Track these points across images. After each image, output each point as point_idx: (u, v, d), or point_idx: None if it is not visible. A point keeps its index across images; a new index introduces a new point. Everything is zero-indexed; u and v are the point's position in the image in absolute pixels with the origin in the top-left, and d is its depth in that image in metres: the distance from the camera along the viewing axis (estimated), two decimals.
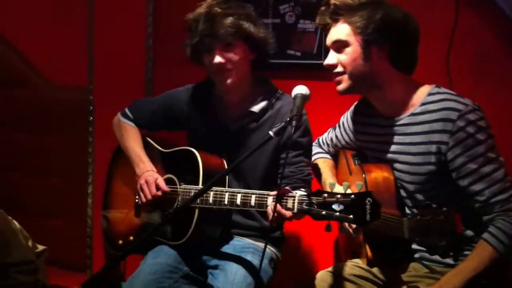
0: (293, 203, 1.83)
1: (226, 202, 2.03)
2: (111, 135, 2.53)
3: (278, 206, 1.83)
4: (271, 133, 1.86)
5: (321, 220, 1.75)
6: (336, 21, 2.02)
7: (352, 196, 1.69)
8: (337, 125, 2.38)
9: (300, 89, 1.97)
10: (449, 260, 1.89)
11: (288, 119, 1.87)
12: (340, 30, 2.00)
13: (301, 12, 2.91)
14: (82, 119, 3.33)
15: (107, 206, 2.53)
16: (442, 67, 2.47)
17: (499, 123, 2.11)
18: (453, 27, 2.47)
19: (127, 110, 2.49)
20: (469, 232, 1.97)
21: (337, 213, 1.70)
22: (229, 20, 2.14)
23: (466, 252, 1.93)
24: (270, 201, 1.93)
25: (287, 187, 2.10)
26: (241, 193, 2.01)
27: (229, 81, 2.21)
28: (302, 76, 2.71)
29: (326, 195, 1.74)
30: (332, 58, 2.04)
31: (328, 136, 2.43)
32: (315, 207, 1.75)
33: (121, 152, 2.47)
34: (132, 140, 2.41)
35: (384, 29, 1.96)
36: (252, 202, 1.97)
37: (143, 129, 2.47)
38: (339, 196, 1.71)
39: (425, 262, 2.04)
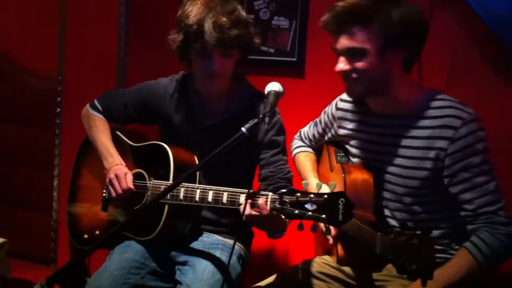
0: (266, 201, 1.82)
1: (197, 199, 2.01)
2: (79, 127, 2.48)
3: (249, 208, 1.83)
4: (243, 129, 1.84)
5: (294, 219, 1.74)
6: (349, 26, 1.89)
7: (325, 196, 1.69)
8: (318, 122, 2.35)
9: (274, 86, 1.96)
10: None
11: (261, 115, 1.86)
12: (353, 37, 1.88)
13: (276, 8, 2.90)
14: (49, 110, 3.27)
15: (73, 199, 2.48)
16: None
17: None
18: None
19: (96, 102, 2.44)
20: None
21: (310, 213, 1.70)
22: (236, 32, 2.10)
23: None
24: (242, 199, 1.91)
25: (270, 188, 2.12)
26: (213, 190, 1.99)
27: (218, 87, 2.21)
28: (275, 73, 2.71)
29: (299, 194, 1.73)
30: (344, 64, 1.93)
31: (310, 131, 2.40)
32: (288, 206, 1.74)
33: (89, 144, 2.42)
34: (101, 133, 2.36)
35: (403, 30, 1.87)
36: (224, 200, 1.95)
37: (113, 121, 2.42)
38: (312, 195, 1.70)
39: None
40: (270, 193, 1.82)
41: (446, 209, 1.96)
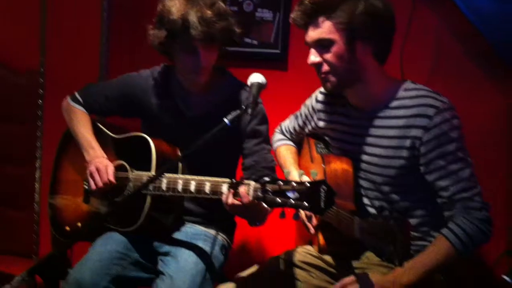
0: (248, 190, 1.83)
1: (179, 189, 2.01)
2: (62, 120, 2.47)
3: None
4: (226, 120, 1.86)
5: (277, 207, 1.75)
6: (315, 19, 1.95)
7: (307, 184, 1.70)
8: (298, 115, 2.37)
9: (256, 78, 1.97)
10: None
11: (243, 107, 1.87)
12: (321, 28, 1.94)
13: (259, 0, 2.90)
14: (32, 102, 3.25)
15: (54, 191, 2.48)
16: (395, 61, 2.51)
17: None
18: (408, 22, 2.51)
19: (77, 94, 2.42)
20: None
21: (292, 201, 1.71)
22: (222, 25, 2.08)
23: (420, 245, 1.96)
24: (225, 188, 1.92)
25: (253, 177, 2.13)
26: (195, 180, 1.99)
27: (202, 80, 2.20)
28: (259, 65, 2.71)
29: (281, 182, 1.74)
30: (315, 56, 1.98)
31: (290, 125, 2.41)
32: (270, 194, 1.75)
33: (70, 137, 2.41)
34: (82, 125, 2.35)
35: (368, 22, 1.91)
36: (207, 189, 1.96)
37: (94, 114, 2.41)
38: (294, 184, 1.71)
39: None
40: (252, 182, 1.83)
41: (424, 197, 1.99)
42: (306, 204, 1.69)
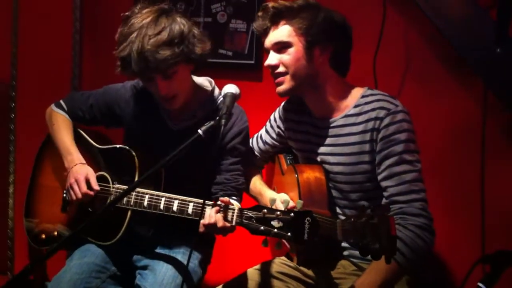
0: (232, 215, 1.81)
1: (161, 208, 1.99)
2: (35, 133, 2.44)
3: (217, 217, 1.83)
4: (199, 131, 1.85)
5: (259, 235, 1.74)
6: (276, 23, 2.03)
7: (292, 214, 1.69)
8: (263, 132, 2.39)
9: (230, 88, 1.98)
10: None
11: (217, 117, 1.86)
12: (282, 32, 2.01)
13: (233, 11, 2.92)
14: (3, 116, 3.21)
15: (31, 198, 2.43)
16: (368, 67, 2.53)
17: (421, 121, 2.19)
18: (380, 29, 2.54)
19: (61, 102, 2.38)
20: None
21: (275, 230, 1.70)
22: (166, 53, 1.99)
23: None
24: (209, 211, 1.88)
25: (220, 193, 2.13)
26: (179, 200, 1.97)
27: (176, 106, 2.16)
28: (233, 76, 2.71)
29: (266, 210, 1.73)
30: (273, 58, 2.04)
31: (256, 145, 2.41)
32: (254, 221, 1.74)
33: (50, 142, 2.37)
34: (62, 130, 2.31)
35: (328, 30, 2.00)
36: (190, 211, 1.94)
37: (77, 122, 2.37)
38: (278, 213, 1.71)
39: (353, 260, 2.09)
40: (237, 207, 1.82)
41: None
42: (289, 234, 1.68)
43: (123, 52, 2.03)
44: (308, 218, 1.67)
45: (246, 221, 1.76)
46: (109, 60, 2.98)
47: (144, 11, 2.07)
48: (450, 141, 2.52)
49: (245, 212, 1.77)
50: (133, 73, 2.09)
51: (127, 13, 2.11)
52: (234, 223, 1.81)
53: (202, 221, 1.87)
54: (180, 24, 2.06)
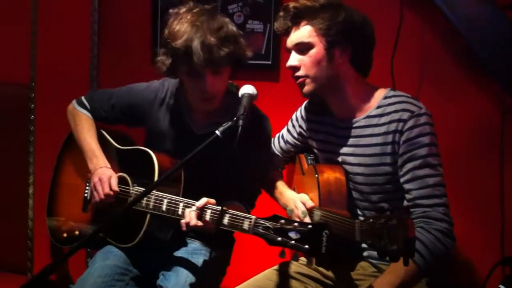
0: (249, 225, 1.81)
1: (180, 213, 2.00)
2: (54, 134, 2.45)
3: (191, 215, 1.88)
4: (217, 132, 1.85)
5: (276, 246, 1.73)
6: (297, 24, 2.02)
7: (310, 226, 1.68)
8: (285, 132, 2.38)
9: (247, 89, 1.98)
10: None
11: (235, 118, 1.86)
12: (303, 32, 2.01)
13: (250, 12, 2.92)
14: (23, 117, 3.24)
15: (53, 196, 2.44)
16: (385, 68, 2.52)
17: (439, 123, 2.17)
18: (397, 30, 2.52)
19: (83, 99, 2.38)
20: None
21: (293, 241, 1.68)
22: (226, 50, 2.02)
23: None
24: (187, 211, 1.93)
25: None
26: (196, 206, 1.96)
27: (212, 106, 2.16)
28: (249, 77, 2.70)
29: (283, 221, 1.71)
30: (294, 59, 2.04)
31: (277, 145, 2.41)
32: (271, 232, 1.73)
33: (73, 141, 2.37)
34: (87, 132, 2.31)
35: (347, 30, 1.98)
36: (207, 217, 1.94)
37: (99, 120, 2.36)
38: (296, 224, 1.69)
39: (372, 261, 2.08)
40: (254, 217, 1.82)
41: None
42: (307, 247, 1.66)
43: (183, 43, 2.01)
44: (326, 231, 1.65)
45: (263, 231, 1.75)
46: (127, 61, 3.03)
47: (195, 10, 2.09)
48: (468, 143, 2.50)
49: (262, 222, 1.76)
50: (182, 69, 2.08)
51: (175, 10, 2.13)
52: (251, 232, 1.81)
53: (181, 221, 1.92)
54: (233, 25, 2.11)
